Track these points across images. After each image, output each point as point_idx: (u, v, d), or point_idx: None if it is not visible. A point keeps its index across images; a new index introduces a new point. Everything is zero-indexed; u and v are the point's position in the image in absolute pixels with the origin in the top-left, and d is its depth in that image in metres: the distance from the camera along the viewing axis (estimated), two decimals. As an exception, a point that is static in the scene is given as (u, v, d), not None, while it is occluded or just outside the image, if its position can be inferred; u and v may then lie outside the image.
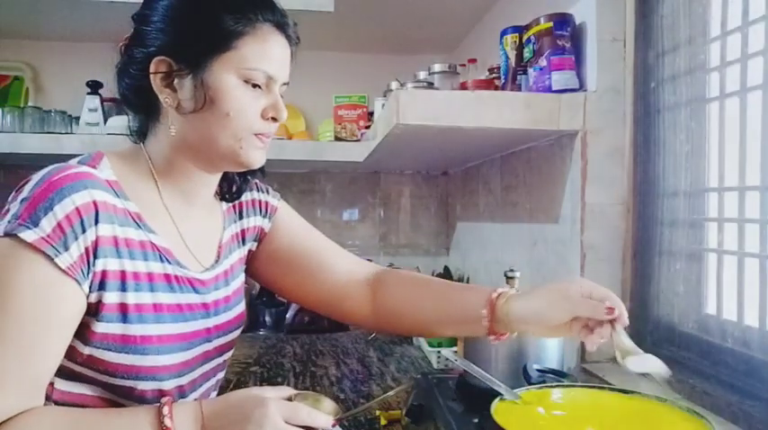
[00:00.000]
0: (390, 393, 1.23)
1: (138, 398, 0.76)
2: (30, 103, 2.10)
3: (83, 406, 0.74)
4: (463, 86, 1.41)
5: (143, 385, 0.76)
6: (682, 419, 0.75)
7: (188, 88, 0.76)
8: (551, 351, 1.01)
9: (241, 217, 0.96)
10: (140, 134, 0.84)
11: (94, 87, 1.85)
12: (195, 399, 0.80)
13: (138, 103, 0.81)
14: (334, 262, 0.97)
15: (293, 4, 1.69)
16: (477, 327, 0.82)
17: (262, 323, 1.95)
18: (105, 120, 1.86)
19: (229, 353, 0.92)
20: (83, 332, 0.71)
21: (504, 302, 0.79)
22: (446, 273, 2.13)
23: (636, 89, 1.20)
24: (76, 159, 0.75)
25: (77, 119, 1.88)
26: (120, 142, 0.86)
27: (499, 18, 1.78)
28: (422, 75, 1.58)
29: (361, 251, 2.37)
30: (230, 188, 0.93)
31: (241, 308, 0.93)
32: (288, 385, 1.20)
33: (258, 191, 0.98)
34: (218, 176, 0.87)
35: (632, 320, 1.18)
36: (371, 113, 1.94)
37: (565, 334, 0.76)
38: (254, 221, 0.97)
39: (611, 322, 0.71)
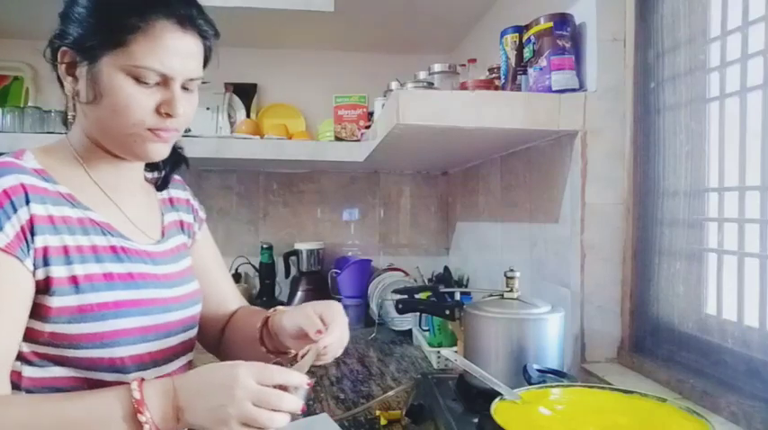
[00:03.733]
0: (390, 393, 1.23)
1: (109, 368, 0.77)
2: (30, 103, 2.10)
3: (57, 388, 0.74)
4: (463, 86, 1.41)
5: (111, 352, 0.77)
6: (682, 419, 0.75)
7: (84, 80, 0.78)
8: (551, 351, 1.01)
9: (177, 210, 0.99)
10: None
11: (94, 87, 1.85)
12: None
13: (63, 91, 0.84)
14: (226, 294, 1.05)
15: (293, 4, 1.69)
16: (256, 345, 0.91)
17: (262, 323, 1.95)
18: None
19: (194, 330, 0.94)
20: (39, 311, 0.73)
21: (274, 317, 0.89)
22: (446, 273, 2.13)
23: (636, 89, 1.20)
24: None
25: (77, 119, 1.88)
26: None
27: (499, 18, 1.78)
28: (422, 75, 1.58)
29: (361, 251, 2.37)
30: (158, 176, 0.97)
31: (196, 285, 0.96)
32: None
33: (192, 196, 1.04)
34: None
35: (632, 320, 1.19)
36: (371, 113, 1.93)
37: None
38: (187, 218, 1.01)
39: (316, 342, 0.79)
